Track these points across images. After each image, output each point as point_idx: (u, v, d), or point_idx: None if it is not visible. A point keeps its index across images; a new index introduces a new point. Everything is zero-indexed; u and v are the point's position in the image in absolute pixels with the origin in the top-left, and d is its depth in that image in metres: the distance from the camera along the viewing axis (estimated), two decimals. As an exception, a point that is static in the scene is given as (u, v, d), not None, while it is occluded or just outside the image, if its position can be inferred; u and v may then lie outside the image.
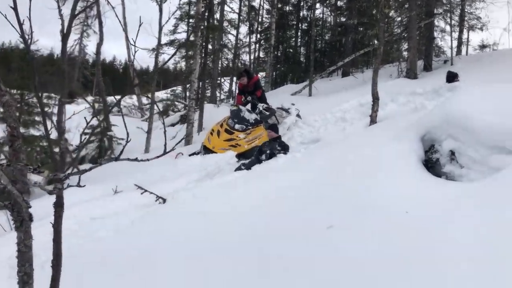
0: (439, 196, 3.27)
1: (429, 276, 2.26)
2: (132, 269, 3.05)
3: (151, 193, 4.55)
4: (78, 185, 1.32)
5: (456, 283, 2.15)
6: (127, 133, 1.68)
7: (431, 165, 4.10)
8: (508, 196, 2.78)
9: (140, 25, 1.93)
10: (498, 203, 2.79)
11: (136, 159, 1.58)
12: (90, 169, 1.36)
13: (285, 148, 6.79)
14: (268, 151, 6.69)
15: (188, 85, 13.48)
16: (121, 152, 1.57)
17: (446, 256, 2.38)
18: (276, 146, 6.78)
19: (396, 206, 3.19)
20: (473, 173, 3.47)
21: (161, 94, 16.99)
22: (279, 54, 24.99)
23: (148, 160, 1.66)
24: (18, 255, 1.32)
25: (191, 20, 14.85)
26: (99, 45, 10.42)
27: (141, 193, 4.55)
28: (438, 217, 2.93)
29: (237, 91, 9.22)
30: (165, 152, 1.50)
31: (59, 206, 1.33)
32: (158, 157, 1.58)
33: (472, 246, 2.40)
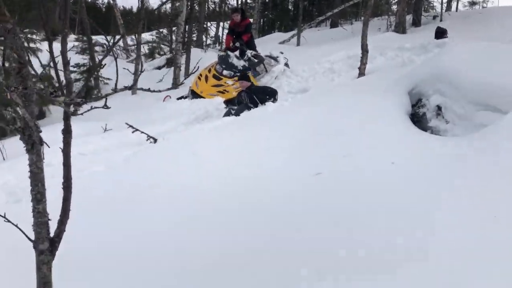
0: (423, 149, 3.43)
1: (411, 226, 2.38)
2: (128, 204, 3.16)
3: (142, 132, 4.60)
4: (105, 107, 1.39)
5: (434, 233, 2.27)
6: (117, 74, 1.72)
7: (418, 119, 4.24)
8: (489, 149, 2.94)
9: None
10: (478, 156, 2.95)
11: (148, 89, 1.64)
12: (106, 95, 1.42)
13: (274, 95, 6.63)
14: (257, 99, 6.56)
15: (174, 28, 13.15)
16: (135, 82, 1.62)
17: (428, 207, 2.52)
18: (265, 95, 6.63)
19: (382, 157, 3.33)
20: (458, 128, 3.62)
21: (146, 36, 16.49)
22: (267, 1, 24.32)
23: (160, 91, 1.71)
24: (30, 176, 1.39)
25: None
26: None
27: (132, 132, 4.59)
28: (421, 168, 3.08)
29: (226, 32, 9.09)
30: (175, 86, 1.57)
31: (67, 132, 1.39)
32: (169, 89, 1.64)
33: (449, 194, 2.55)
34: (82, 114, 1.39)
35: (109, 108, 1.42)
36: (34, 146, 1.35)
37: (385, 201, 2.67)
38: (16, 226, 1.41)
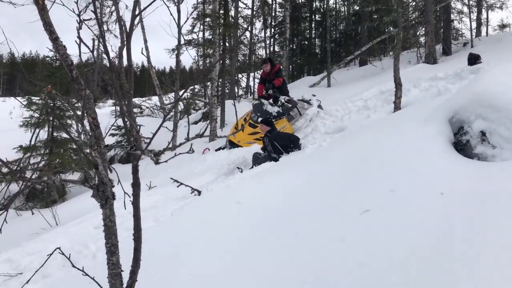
0: (473, 177, 3.31)
1: (469, 260, 2.29)
2: (176, 257, 3.21)
3: (187, 185, 4.72)
4: (191, 151, 1.48)
5: (496, 269, 2.17)
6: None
7: (461, 148, 4.12)
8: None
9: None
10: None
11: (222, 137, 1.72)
12: (180, 145, 1.51)
13: (297, 143, 6.44)
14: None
15: (208, 83, 13.66)
16: (203, 132, 1.71)
17: (487, 238, 2.42)
18: (288, 142, 6.45)
19: (431, 189, 3.24)
20: (506, 152, 3.49)
21: (181, 94, 17.22)
22: (294, 47, 24.99)
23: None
24: (105, 229, 1.47)
25: (206, 19, 15.00)
26: (121, 49, 10.65)
27: (177, 186, 4.72)
28: (474, 198, 2.97)
29: (257, 81, 9.37)
30: (200, 135, 1.65)
31: (136, 186, 1.47)
32: (201, 136, 1.72)
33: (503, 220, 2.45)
34: (166, 161, 1.49)
35: (194, 152, 1.52)
36: (107, 201, 1.43)
37: (441, 233, 2.59)
38: (93, 279, 1.48)
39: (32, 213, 5.18)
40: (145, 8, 1.88)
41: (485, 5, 16.89)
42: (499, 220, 2.53)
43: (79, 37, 1.55)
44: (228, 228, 3.55)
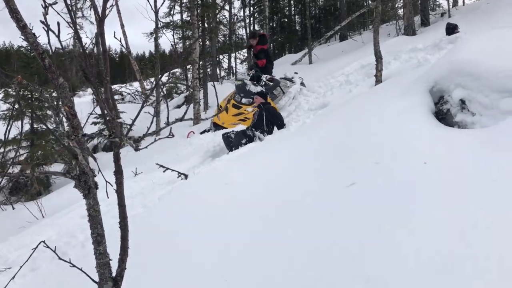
0: (454, 145, 3.37)
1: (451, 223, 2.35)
2: (169, 242, 3.22)
3: (173, 170, 4.70)
4: (170, 135, 1.47)
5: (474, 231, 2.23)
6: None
7: (442, 117, 4.18)
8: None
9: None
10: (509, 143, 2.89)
11: (190, 119, 1.70)
12: (160, 129, 1.50)
13: (282, 125, 6.40)
14: (253, 135, 6.25)
15: (189, 66, 13.49)
16: (184, 115, 1.69)
17: (472, 202, 2.48)
18: (277, 120, 6.42)
19: (413, 158, 3.29)
20: (485, 118, 3.55)
21: (161, 78, 17.04)
22: (274, 25, 24.77)
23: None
24: (89, 219, 1.46)
25: (183, 0, 14.73)
26: (97, 35, 10.43)
27: (163, 171, 4.70)
28: (454, 164, 3.03)
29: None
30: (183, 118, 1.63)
31: (119, 173, 1.46)
32: (181, 119, 1.70)
33: (491, 188, 2.50)
34: (146, 147, 1.47)
35: (174, 136, 1.51)
36: (90, 191, 1.42)
37: (426, 200, 2.64)
38: (81, 269, 1.47)
39: (13, 208, 5.14)
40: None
41: (462, -26, 16.93)
42: (480, 185, 2.60)
43: (43, 22, 1.49)
44: (216, 210, 3.57)
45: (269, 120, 6.23)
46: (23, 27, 1.28)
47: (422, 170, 3.12)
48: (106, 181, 1.52)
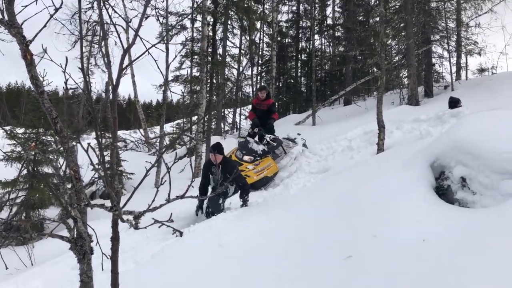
0: (454, 225, 3.34)
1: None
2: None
3: (168, 226, 4.61)
4: (170, 221, 1.45)
5: None
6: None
7: (443, 192, 4.17)
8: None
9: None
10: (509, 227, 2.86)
11: (197, 197, 1.72)
12: (161, 206, 1.49)
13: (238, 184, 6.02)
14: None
15: (194, 118, 13.71)
16: (186, 191, 1.69)
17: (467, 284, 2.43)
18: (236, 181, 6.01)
19: (413, 234, 3.25)
20: (486, 199, 3.55)
21: (166, 128, 17.25)
22: (280, 85, 25.43)
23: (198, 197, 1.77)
24: (81, 285, 1.43)
25: (195, 57, 15.24)
26: (108, 83, 10.71)
27: (159, 227, 4.61)
28: (455, 244, 2.99)
29: (249, 109, 9.41)
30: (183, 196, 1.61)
31: (115, 240, 1.44)
32: (182, 197, 1.69)
33: (496, 274, 2.45)
34: (145, 227, 1.46)
35: (173, 221, 1.49)
36: (85, 256, 1.40)
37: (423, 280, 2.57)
38: None
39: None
40: (135, 60, 1.90)
41: (464, 51, 17.55)
42: (479, 267, 2.54)
43: (65, 84, 1.54)
44: (208, 273, 3.48)
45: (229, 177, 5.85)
46: (41, 93, 1.32)
47: (421, 247, 3.08)
48: (103, 253, 1.50)
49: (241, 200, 5.84)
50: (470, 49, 17.07)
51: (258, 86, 22.78)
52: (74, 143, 1.42)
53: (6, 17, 1.26)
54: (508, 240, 2.73)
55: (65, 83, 1.38)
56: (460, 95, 10.52)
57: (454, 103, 9.29)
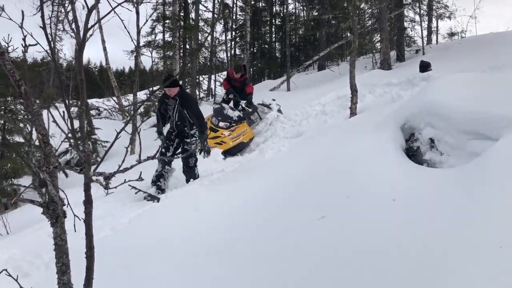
0: (422, 184, 3.47)
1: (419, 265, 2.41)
2: (130, 268, 3.17)
3: (145, 192, 4.65)
4: (140, 179, 1.46)
5: (441, 270, 2.31)
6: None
7: (412, 153, 4.31)
8: (485, 178, 3.00)
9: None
10: (477, 184, 3.00)
11: (162, 157, 1.72)
12: (131, 167, 1.50)
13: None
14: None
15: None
16: (157, 152, 1.69)
17: (434, 240, 2.55)
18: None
19: (383, 194, 3.37)
20: (453, 159, 3.68)
21: (140, 95, 16.92)
22: (255, 51, 25.15)
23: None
24: (55, 248, 1.45)
25: (166, 21, 14.83)
26: (79, 48, 10.35)
27: (135, 193, 4.65)
28: (422, 203, 3.12)
29: (224, 78, 9.33)
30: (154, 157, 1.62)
31: (89, 203, 1.46)
32: (153, 158, 1.70)
33: (457, 227, 2.58)
34: (116, 187, 1.46)
35: (143, 180, 1.50)
36: (58, 219, 1.41)
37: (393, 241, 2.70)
38: None
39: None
40: (101, 18, 1.85)
41: (435, 14, 17.69)
42: (444, 226, 2.68)
43: (24, 39, 1.50)
44: (185, 237, 3.55)
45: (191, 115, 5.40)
46: (1, 54, 1.29)
47: (391, 207, 3.20)
48: (75, 215, 1.51)
49: (201, 145, 5.38)
50: (441, 12, 17.21)
51: (232, 51, 22.48)
52: (39, 107, 1.40)
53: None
54: (471, 199, 2.87)
55: (23, 39, 1.34)
56: (431, 59, 10.67)
57: (424, 67, 9.44)
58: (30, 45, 1.38)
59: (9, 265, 3.73)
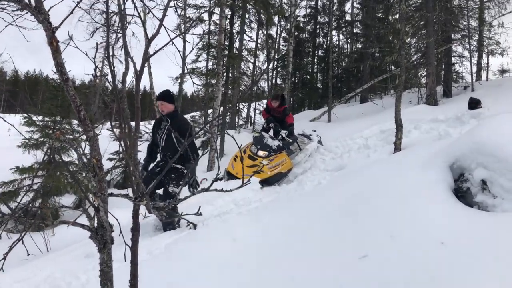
0: (473, 227, 3.27)
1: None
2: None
3: (182, 218, 4.62)
4: (198, 214, 1.44)
5: None
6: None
7: (462, 195, 4.09)
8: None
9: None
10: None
11: (222, 190, 1.71)
12: (185, 198, 1.48)
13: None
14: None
15: (209, 111, 13.73)
16: (211, 185, 1.67)
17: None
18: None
19: (430, 235, 3.20)
20: (507, 203, 3.46)
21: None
22: (296, 81, 25.31)
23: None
24: (101, 275, 1.43)
25: (211, 50, 15.22)
26: (125, 74, 10.77)
27: (189, 228, 4.64)
28: (474, 248, 2.93)
29: (263, 108, 9.38)
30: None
31: (136, 230, 1.44)
32: (207, 190, 1.67)
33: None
34: (170, 219, 1.45)
35: (201, 215, 1.49)
36: (105, 245, 1.39)
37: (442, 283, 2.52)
38: None
39: (22, 242, 5.04)
40: (160, 49, 1.88)
41: (486, 51, 17.18)
42: (498, 271, 2.49)
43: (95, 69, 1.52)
44: (222, 265, 3.47)
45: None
46: (65, 80, 1.31)
47: (440, 250, 3.02)
48: (126, 244, 1.49)
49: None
50: (492, 49, 16.70)
51: (273, 81, 22.72)
52: (97, 132, 1.40)
53: (33, 3, 1.25)
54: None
55: (95, 70, 1.37)
56: (481, 96, 10.31)
57: (474, 104, 9.13)
58: (103, 75, 1.40)
59: (47, 284, 3.78)
